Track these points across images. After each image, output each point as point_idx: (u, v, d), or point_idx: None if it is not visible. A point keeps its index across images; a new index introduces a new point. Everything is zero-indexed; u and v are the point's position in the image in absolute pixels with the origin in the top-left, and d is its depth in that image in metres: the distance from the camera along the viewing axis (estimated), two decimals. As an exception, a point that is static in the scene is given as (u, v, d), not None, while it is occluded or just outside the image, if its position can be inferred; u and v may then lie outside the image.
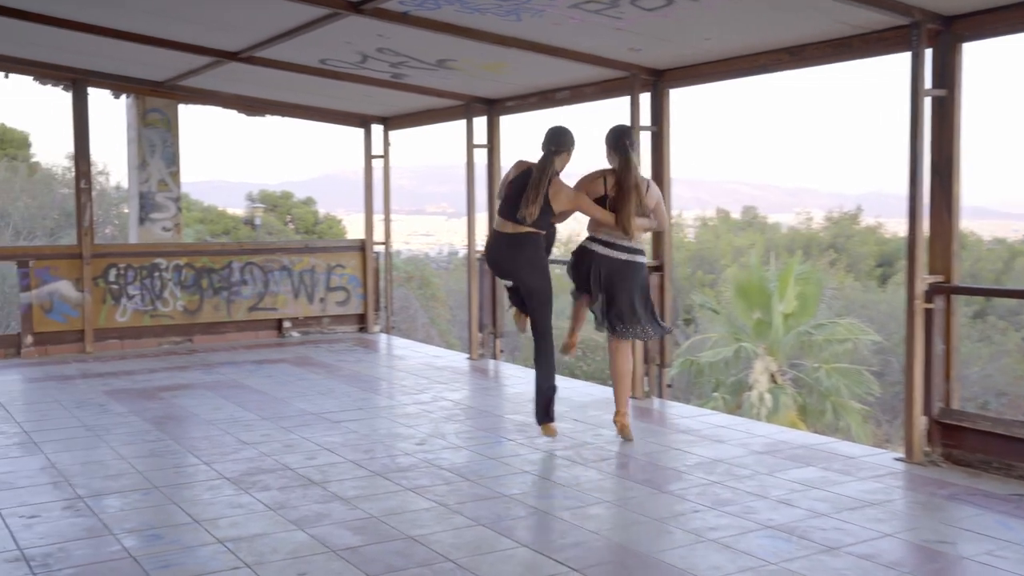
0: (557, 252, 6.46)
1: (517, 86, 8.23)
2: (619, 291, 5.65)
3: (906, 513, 4.50)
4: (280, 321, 10.27)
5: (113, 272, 9.38)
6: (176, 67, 8.67)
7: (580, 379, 6.85)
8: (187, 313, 9.73)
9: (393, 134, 10.61)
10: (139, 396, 7.12)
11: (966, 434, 5.15)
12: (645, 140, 7.06)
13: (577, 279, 5.85)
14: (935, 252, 5.29)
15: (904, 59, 5.23)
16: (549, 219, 5.59)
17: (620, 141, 5.68)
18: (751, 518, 4.31)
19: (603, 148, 5.79)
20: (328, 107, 10.21)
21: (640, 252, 5.72)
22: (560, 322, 6.78)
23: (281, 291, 10.24)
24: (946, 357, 5.28)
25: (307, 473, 5.04)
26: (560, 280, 9.84)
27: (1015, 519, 4.30)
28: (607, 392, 7.44)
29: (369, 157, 10.77)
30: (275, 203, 32.40)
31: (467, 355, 9.13)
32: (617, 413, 5.81)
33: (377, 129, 10.66)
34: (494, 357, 8.89)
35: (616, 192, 5.60)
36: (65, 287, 9.14)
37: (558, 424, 5.86)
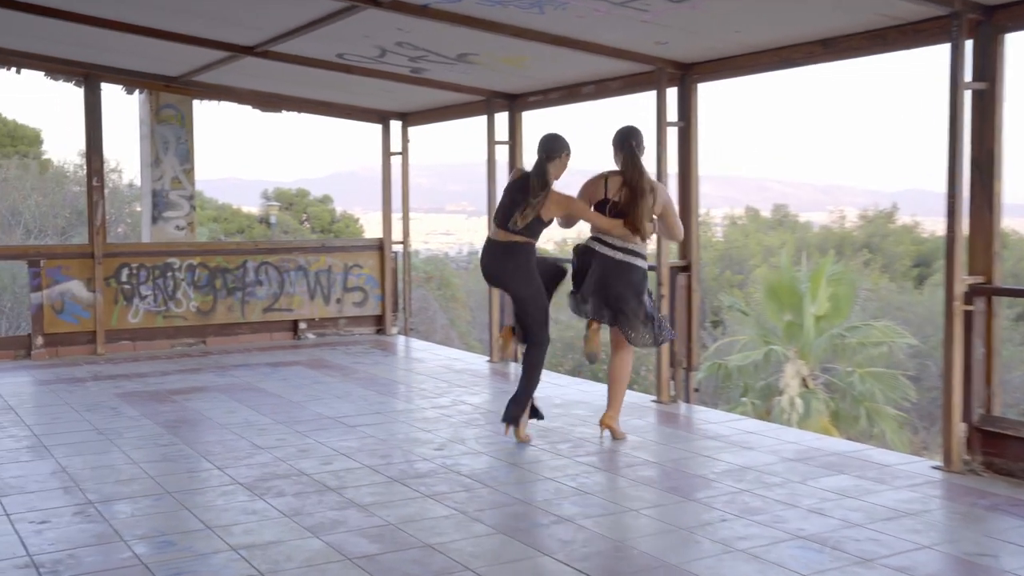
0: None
1: (540, 81, 8.22)
2: (611, 291, 5.71)
3: (945, 524, 4.45)
4: (296, 322, 10.31)
5: (125, 272, 9.45)
6: (190, 62, 8.73)
7: (603, 382, 6.82)
8: (200, 314, 9.79)
9: (412, 130, 10.63)
10: (151, 399, 7.17)
11: (1008, 442, 5.09)
12: (672, 136, 7.04)
13: (575, 276, 5.90)
14: (975, 252, 5.23)
15: (943, 51, 5.18)
16: (542, 227, 5.72)
17: (627, 142, 5.74)
18: (782, 528, 4.28)
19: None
20: (346, 103, 10.25)
21: (637, 255, 5.73)
22: (563, 330, 6.74)
23: (297, 292, 10.29)
24: (986, 361, 5.23)
25: (323, 479, 5.05)
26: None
27: (1059, 531, 4.25)
28: (629, 396, 7.42)
29: (387, 154, 10.79)
30: (291, 201, 32.59)
31: (487, 358, 9.13)
32: (604, 414, 5.89)
33: (396, 125, 10.68)
34: (515, 360, 8.88)
35: (624, 196, 5.66)
36: (76, 287, 9.22)
37: (582, 429, 5.84)
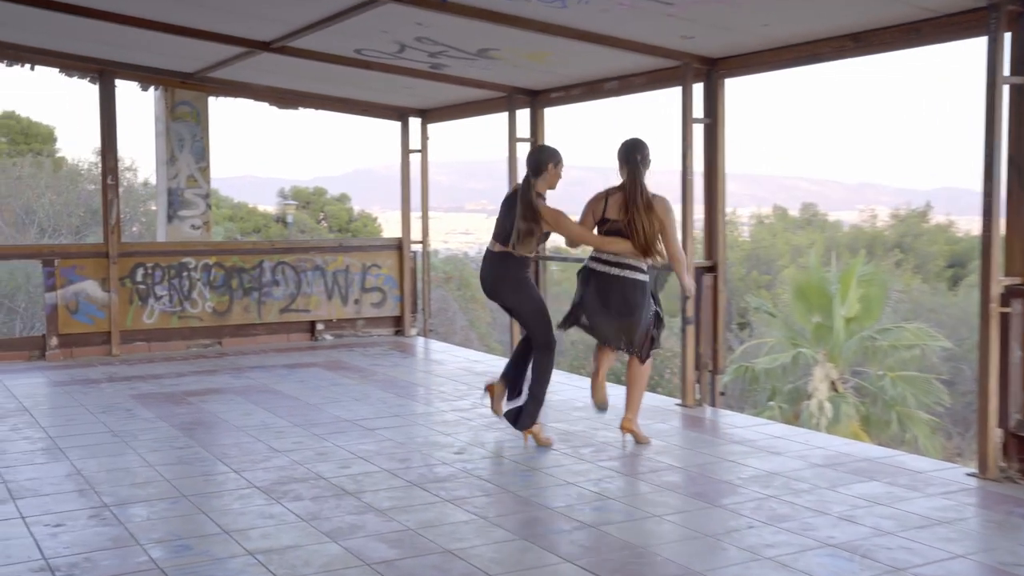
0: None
1: (562, 76, 8.22)
2: (611, 308, 5.70)
3: (980, 533, 4.42)
4: (313, 323, 10.36)
5: (140, 272, 9.53)
6: (206, 58, 8.78)
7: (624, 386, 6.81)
8: (216, 315, 9.85)
9: (431, 127, 10.66)
10: (167, 401, 7.23)
11: (1045, 448, 5.05)
12: (698, 133, 7.03)
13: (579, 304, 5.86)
14: (1012, 252, 5.18)
15: (980, 44, 5.14)
16: (536, 241, 5.80)
17: (631, 156, 5.72)
18: (810, 535, 4.26)
19: (650, 143, 5.80)
20: (364, 99, 10.28)
21: (636, 269, 5.70)
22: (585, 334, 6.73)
23: (314, 292, 10.33)
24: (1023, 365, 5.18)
25: (341, 483, 5.07)
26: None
27: (1099, 540, 4.21)
28: (654, 399, 7.43)
29: (406, 152, 10.82)
30: (307, 200, 32.71)
31: (508, 360, 9.12)
32: (623, 417, 5.91)
33: (415, 122, 10.71)
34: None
35: (625, 213, 5.64)
36: (91, 287, 9.30)
37: (604, 433, 5.84)
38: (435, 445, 5.93)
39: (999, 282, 5.14)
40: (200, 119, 10.08)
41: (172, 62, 9.25)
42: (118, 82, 9.40)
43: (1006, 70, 5.07)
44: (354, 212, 32.93)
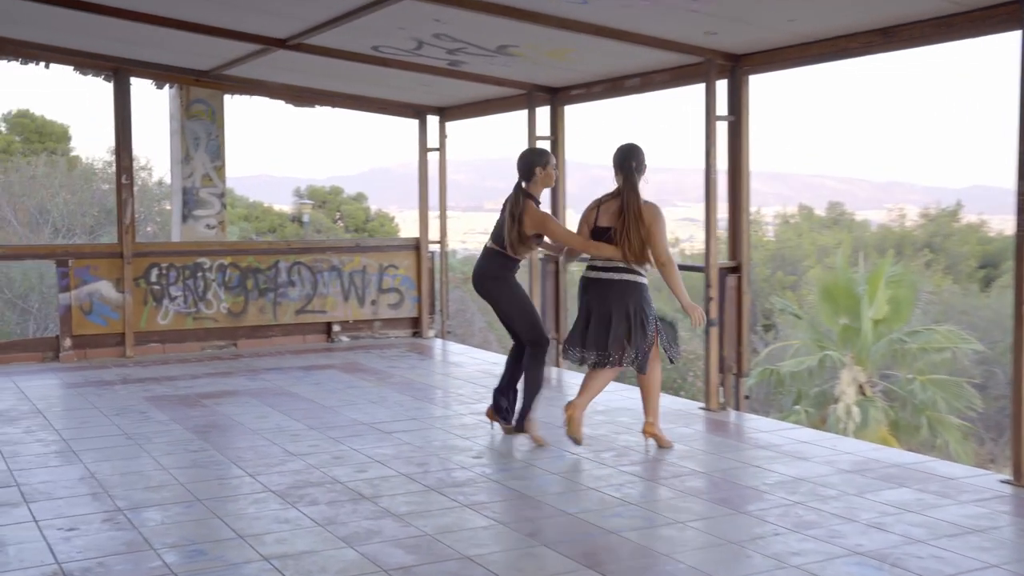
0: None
1: (583, 73, 8.21)
2: (602, 316, 5.67)
3: (1015, 542, 4.38)
4: (329, 325, 10.39)
5: (155, 272, 9.58)
6: (222, 55, 8.83)
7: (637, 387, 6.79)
8: (231, 316, 9.89)
9: (450, 125, 10.66)
10: (181, 403, 7.26)
11: (1081, 454, 5.00)
12: (722, 131, 7.01)
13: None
14: (1046, 252, 5.14)
15: (1013, 38, 5.10)
16: (528, 242, 5.91)
17: (626, 162, 5.73)
18: (838, 543, 4.24)
19: (670, 141, 5.81)
20: (381, 97, 10.30)
21: (631, 272, 5.68)
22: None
23: (330, 293, 10.36)
24: (1058, 369, 5.14)
25: (357, 487, 5.08)
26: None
27: None
28: (676, 403, 7.41)
29: (424, 150, 10.84)
30: (324, 199, 32.85)
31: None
32: (644, 423, 5.91)
33: (433, 120, 10.72)
34: (556, 365, 8.87)
35: (618, 220, 5.65)
36: (105, 288, 9.36)
37: (626, 437, 5.82)
38: (453, 449, 5.93)
39: (1033, 283, 5.09)
40: (215, 117, 10.13)
41: (187, 59, 9.29)
42: (133, 80, 9.45)
43: (1040, 65, 5.03)
44: (371, 212, 33.06)
